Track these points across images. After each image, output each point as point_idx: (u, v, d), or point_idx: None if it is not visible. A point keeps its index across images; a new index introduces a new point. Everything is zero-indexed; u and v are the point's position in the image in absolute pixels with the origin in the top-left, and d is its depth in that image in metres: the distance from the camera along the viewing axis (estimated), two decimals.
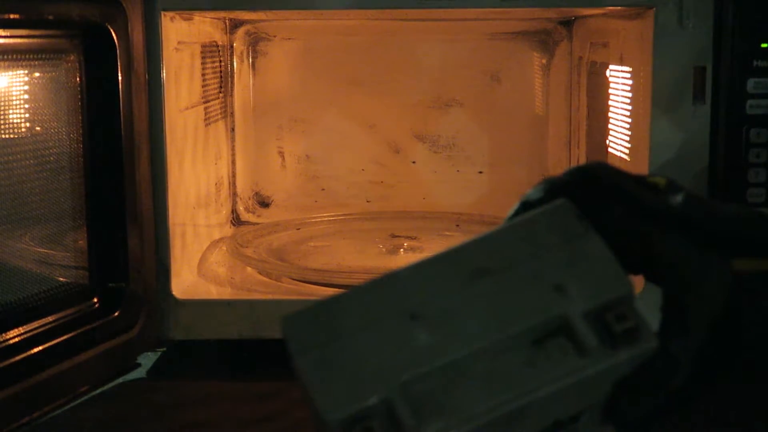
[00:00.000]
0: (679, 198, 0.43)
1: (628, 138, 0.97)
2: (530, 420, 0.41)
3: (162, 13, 0.87)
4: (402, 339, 0.41)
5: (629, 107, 0.96)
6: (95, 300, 0.84)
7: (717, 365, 0.42)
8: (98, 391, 0.82)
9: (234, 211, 1.27)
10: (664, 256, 0.42)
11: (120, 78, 0.82)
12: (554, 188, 0.44)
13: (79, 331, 0.79)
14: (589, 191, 0.43)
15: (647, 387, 0.41)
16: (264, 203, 1.31)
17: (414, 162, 1.31)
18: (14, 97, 0.79)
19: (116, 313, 0.84)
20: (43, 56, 0.80)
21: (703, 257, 0.42)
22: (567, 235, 0.43)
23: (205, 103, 1.10)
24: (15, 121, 0.79)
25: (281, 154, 1.31)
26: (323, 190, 1.32)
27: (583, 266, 0.42)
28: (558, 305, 0.42)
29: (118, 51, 0.81)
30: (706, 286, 0.41)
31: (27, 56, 0.79)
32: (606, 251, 0.42)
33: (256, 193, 1.30)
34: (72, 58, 0.81)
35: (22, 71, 0.79)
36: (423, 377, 0.40)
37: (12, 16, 0.72)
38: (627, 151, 0.98)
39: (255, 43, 1.27)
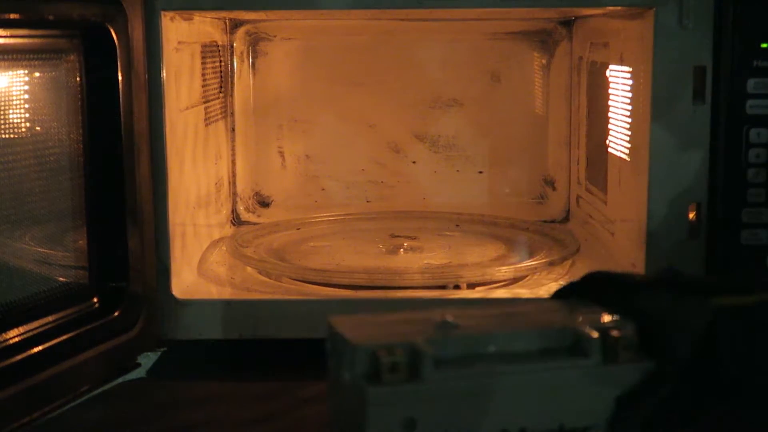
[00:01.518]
0: (654, 272, 0.53)
1: (628, 138, 0.97)
2: (538, 407, 0.47)
3: (162, 12, 0.87)
4: (432, 323, 0.49)
5: (629, 107, 0.96)
6: (95, 300, 0.84)
7: (700, 380, 0.47)
8: (98, 391, 0.82)
9: (234, 210, 1.27)
10: (648, 306, 0.50)
11: (120, 78, 0.82)
12: (561, 292, 0.56)
13: (79, 331, 0.79)
14: (590, 286, 0.54)
15: (641, 398, 0.47)
16: (264, 203, 1.31)
17: (414, 162, 1.31)
18: (14, 97, 0.79)
19: (116, 313, 0.84)
20: (43, 56, 0.80)
21: (680, 296, 0.50)
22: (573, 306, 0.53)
23: (205, 103, 1.10)
24: (15, 121, 0.79)
25: (281, 154, 1.31)
26: (323, 190, 1.32)
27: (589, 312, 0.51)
28: (570, 322, 0.49)
29: (118, 51, 0.81)
30: (684, 313, 0.49)
31: (27, 56, 0.79)
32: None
33: (257, 193, 1.30)
34: (72, 58, 0.81)
35: (22, 71, 0.79)
36: (446, 341, 0.47)
37: (12, 16, 0.72)
38: (627, 151, 0.98)
39: (255, 43, 1.27)
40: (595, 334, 0.47)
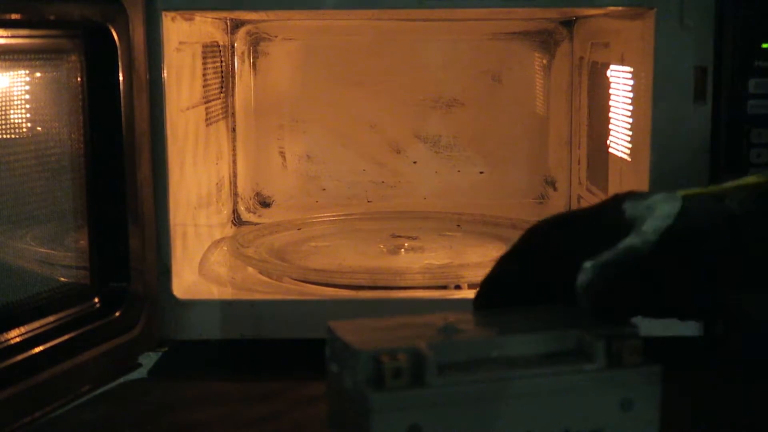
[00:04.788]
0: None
1: (629, 138, 0.97)
2: (543, 412, 0.46)
3: (163, 13, 0.87)
4: (434, 327, 0.49)
5: (630, 107, 0.96)
6: (96, 300, 0.84)
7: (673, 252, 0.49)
8: (99, 391, 0.82)
9: (235, 211, 1.27)
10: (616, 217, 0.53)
11: (121, 78, 0.82)
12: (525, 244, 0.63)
13: (80, 331, 0.79)
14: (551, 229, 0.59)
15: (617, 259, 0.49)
16: (265, 203, 1.31)
17: (415, 162, 1.31)
18: (15, 98, 0.79)
19: (117, 313, 0.84)
20: (45, 56, 0.80)
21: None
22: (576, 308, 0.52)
23: (206, 103, 1.10)
24: (16, 121, 0.79)
25: (282, 154, 1.31)
26: (324, 190, 1.32)
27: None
28: (574, 325, 0.49)
29: (119, 51, 0.81)
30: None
31: (28, 56, 0.79)
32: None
33: (257, 193, 1.30)
34: (73, 58, 0.81)
35: (23, 71, 0.79)
36: (449, 346, 0.47)
37: (13, 17, 0.72)
38: (628, 151, 0.98)
39: (256, 43, 1.27)
40: (599, 339, 0.47)
